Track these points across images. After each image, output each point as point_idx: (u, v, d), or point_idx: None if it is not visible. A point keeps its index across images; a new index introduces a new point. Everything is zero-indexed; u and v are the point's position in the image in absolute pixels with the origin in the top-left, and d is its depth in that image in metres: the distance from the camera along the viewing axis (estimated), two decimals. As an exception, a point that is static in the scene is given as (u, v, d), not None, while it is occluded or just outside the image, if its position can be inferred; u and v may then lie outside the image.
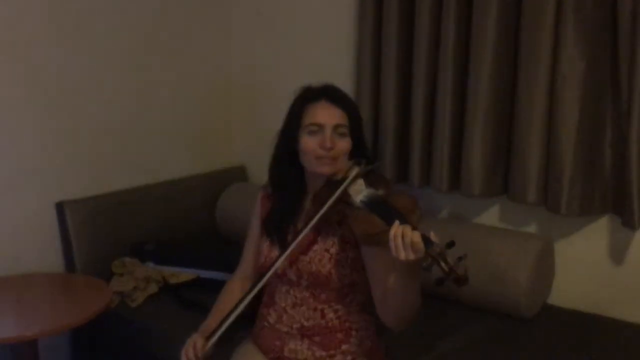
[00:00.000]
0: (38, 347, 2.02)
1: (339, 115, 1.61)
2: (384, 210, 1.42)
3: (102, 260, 2.45)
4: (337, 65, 2.65)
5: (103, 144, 2.59)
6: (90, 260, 2.45)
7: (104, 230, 2.51)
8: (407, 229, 1.30)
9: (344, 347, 1.64)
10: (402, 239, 1.29)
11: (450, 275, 1.25)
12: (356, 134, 1.64)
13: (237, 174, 3.07)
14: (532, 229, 2.28)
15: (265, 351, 1.70)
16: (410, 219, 1.36)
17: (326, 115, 1.60)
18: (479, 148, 2.19)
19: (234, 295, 1.73)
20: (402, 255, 1.30)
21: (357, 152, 1.64)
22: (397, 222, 1.32)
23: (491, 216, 2.37)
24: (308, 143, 1.60)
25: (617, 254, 2.12)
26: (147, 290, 2.35)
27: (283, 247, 1.62)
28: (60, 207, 2.42)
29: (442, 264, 1.26)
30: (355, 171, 1.55)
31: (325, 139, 1.57)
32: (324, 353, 1.63)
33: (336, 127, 1.59)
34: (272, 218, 1.71)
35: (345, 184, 1.52)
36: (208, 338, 1.61)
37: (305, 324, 1.64)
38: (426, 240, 1.29)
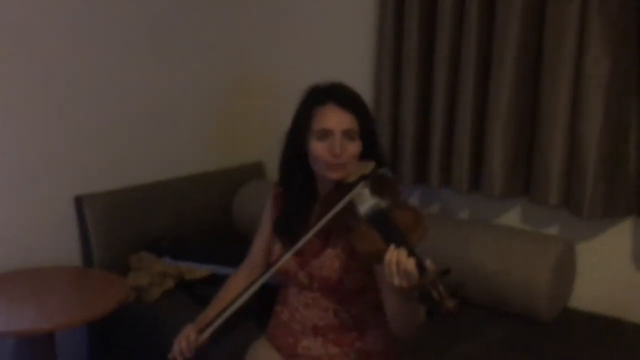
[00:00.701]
0: (55, 340, 2.04)
1: (348, 119, 1.55)
2: (385, 226, 1.39)
3: (119, 255, 2.47)
4: (356, 64, 2.64)
5: (122, 139, 2.60)
6: (107, 255, 2.47)
7: (122, 224, 2.52)
8: (402, 256, 1.29)
9: (357, 344, 1.63)
10: (397, 266, 1.28)
11: (440, 307, 1.23)
12: (367, 135, 1.59)
13: (255, 171, 3.07)
14: (553, 230, 2.25)
15: (279, 348, 1.70)
16: (411, 237, 1.35)
17: (335, 120, 1.55)
18: (500, 148, 2.16)
19: (236, 289, 1.72)
20: (396, 282, 1.30)
21: (370, 152, 1.61)
22: (392, 247, 1.31)
23: (512, 217, 2.35)
24: (317, 149, 1.56)
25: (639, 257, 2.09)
26: (163, 285, 2.35)
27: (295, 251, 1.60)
28: (79, 201, 2.44)
29: (434, 294, 1.24)
30: (360, 186, 1.50)
31: (334, 145, 1.53)
32: (337, 350, 1.62)
33: (345, 131, 1.55)
34: (283, 220, 1.70)
35: (343, 203, 1.48)
36: (202, 331, 1.63)
37: (319, 323, 1.63)
38: (421, 267, 1.27)
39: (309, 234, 1.51)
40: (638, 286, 2.09)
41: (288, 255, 1.55)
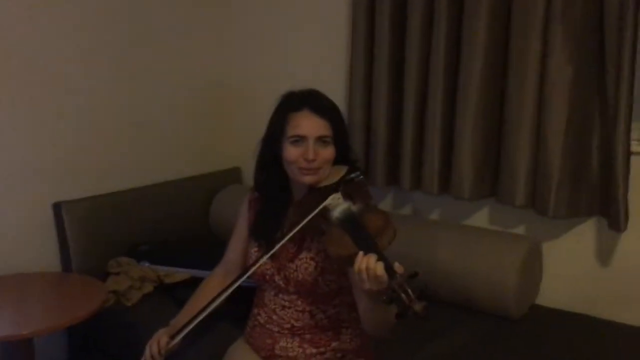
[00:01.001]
0: (34, 345, 2.04)
1: (322, 125, 1.58)
2: (356, 230, 1.42)
3: (98, 260, 2.48)
4: (330, 69, 2.69)
5: (100, 146, 2.61)
6: (86, 260, 2.48)
7: (100, 230, 2.54)
8: (372, 261, 1.32)
9: (333, 344, 1.67)
10: (367, 271, 1.32)
11: (408, 310, 1.26)
12: (341, 140, 1.63)
13: (232, 176, 3.10)
14: (520, 230, 2.32)
15: (257, 350, 1.73)
16: (381, 240, 1.38)
17: (309, 126, 1.57)
18: (469, 151, 2.22)
19: (210, 292, 1.73)
20: (366, 286, 1.33)
21: (343, 157, 1.65)
22: (361, 254, 1.34)
23: (481, 218, 2.41)
24: (291, 153, 1.58)
25: (604, 256, 2.16)
26: (142, 289, 2.37)
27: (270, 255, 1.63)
28: (57, 207, 2.45)
29: (403, 297, 1.27)
30: (332, 196, 1.53)
31: (308, 151, 1.56)
32: (314, 350, 1.66)
33: (319, 137, 1.58)
34: (259, 223, 1.73)
35: (316, 211, 1.51)
36: (173, 336, 1.65)
37: (295, 324, 1.67)
38: (390, 271, 1.31)
39: (284, 240, 1.54)
40: (602, 283, 2.16)
41: (263, 260, 1.58)
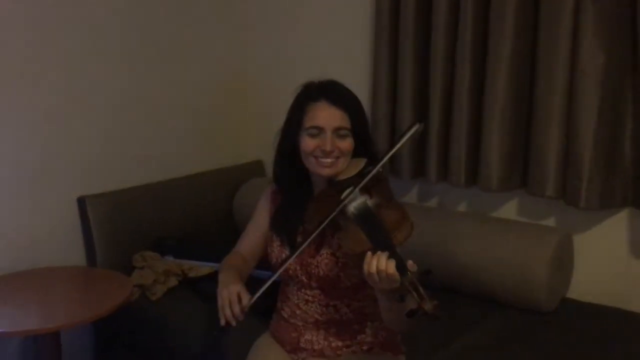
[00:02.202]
0: (60, 338, 2.05)
1: (339, 116, 1.55)
2: (371, 226, 1.40)
3: (123, 254, 2.49)
4: (353, 60, 2.66)
5: (124, 140, 2.62)
6: (111, 254, 2.49)
7: (125, 224, 2.54)
8: (382, 261, 1.30)
9: (359, 337, 1.65)
10: (377, 273, 1.31)
11: (419, 309, 1.24)
12: (359, 132, 1.59)
13: (255, 169, 3.09)
14: (550, 222, 2.27)
15: (282, 343, 1.72)
16: (397, 237, 1.36)
17: (326, 117, 1.55)
18: (497, 142, 2.18)
19: (242, 263, 1.71)
20: (379, 285, 1.33)
21: (363, 149, 1.61)
22: (369, 254, 1.33)
23: (509, 210, 2.37)
24: (308, 145, 1.56)
25: (637, 248, 2.11)
26: (167, 283, 2.38)
27: (293, 247, 1.62)
28: (82, 202, 2.46)
29: (415, 295, 1.25)
30: (348, 190, 1.48)
31: (325, 142, 1.54)
32: (340, 343, 1.65)
33: (337, 129, 1.55)
34: (279, 218, 1.71)
35: (337, 211, 1.47)
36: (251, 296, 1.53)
37: (320, 318, 1.65)
38: (402, 269, 1.28)
39: (308, 240, 1.49)
40: (635, 276, 2.12)
41: (291, 260, 1.55)
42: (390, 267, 1.29)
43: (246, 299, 1.52)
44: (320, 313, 1.65)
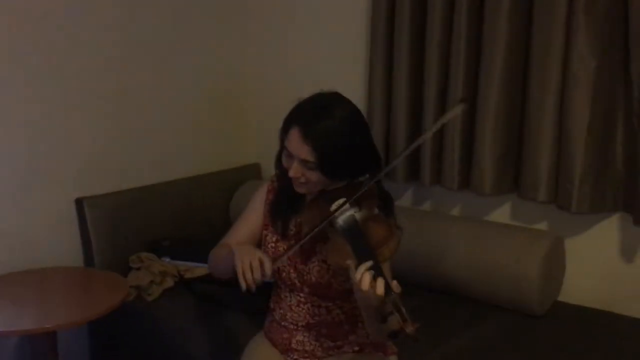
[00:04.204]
0: (57, 339, 2.07)
1: (305, 151, 1.50)
2: (356, 240, 1.40)
3: (120, 255, 2.50)
4: (350, 65, 2.68)
5: (122, 143, 2.63)
6: (108, 255, 2.50)
7: (122, 226, 2.56)
8: (366, 280, 1.30)
9: (351, 337, 1.67)
10: (364, 291, 1.31)
11: (401, 331, 1.24)
12: (330, 168, 1.53)
13: (252, 172, 3.11)
14: (542, 226, 2.29)
15: (275, 344, 1.74)
16: (382, 253, 1.36)
17: (295, 147, 1.52)
18: (490, 146, 2.20)
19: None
20: (363, 301, 1.36)
21: (346, 173, 1.58)
22: (353, 266, 1.33)
23: (502, 214, 2.39)
24: (284, 163, 1.58)
25: (628, 252, 2.12)
26: (163, 284, 2.39)
27: (285, 239, 1.65)
28: (80, 203, 2.47)
29: (398, 316, 1.25)
30: (338, 201, 1.48)
31: (290, 168, 1.54)
32: (331, 344, 1.67)
33: (303, 160, 1.52)
34: (274, 214, 1.71)
35: (325, 222, 1.46)
36: (274, 260, 1.51)
37: (311, 320, 1.67)
38: (386, 288, 1.28)
39: (298, 244, 1.49)
40: (626, 279, 2.13)
41: (284, 258, 1.56)
42: (379, 286, 1.28)
43: (268, 265, 1.45)
44: (312, 315, 1.66)
